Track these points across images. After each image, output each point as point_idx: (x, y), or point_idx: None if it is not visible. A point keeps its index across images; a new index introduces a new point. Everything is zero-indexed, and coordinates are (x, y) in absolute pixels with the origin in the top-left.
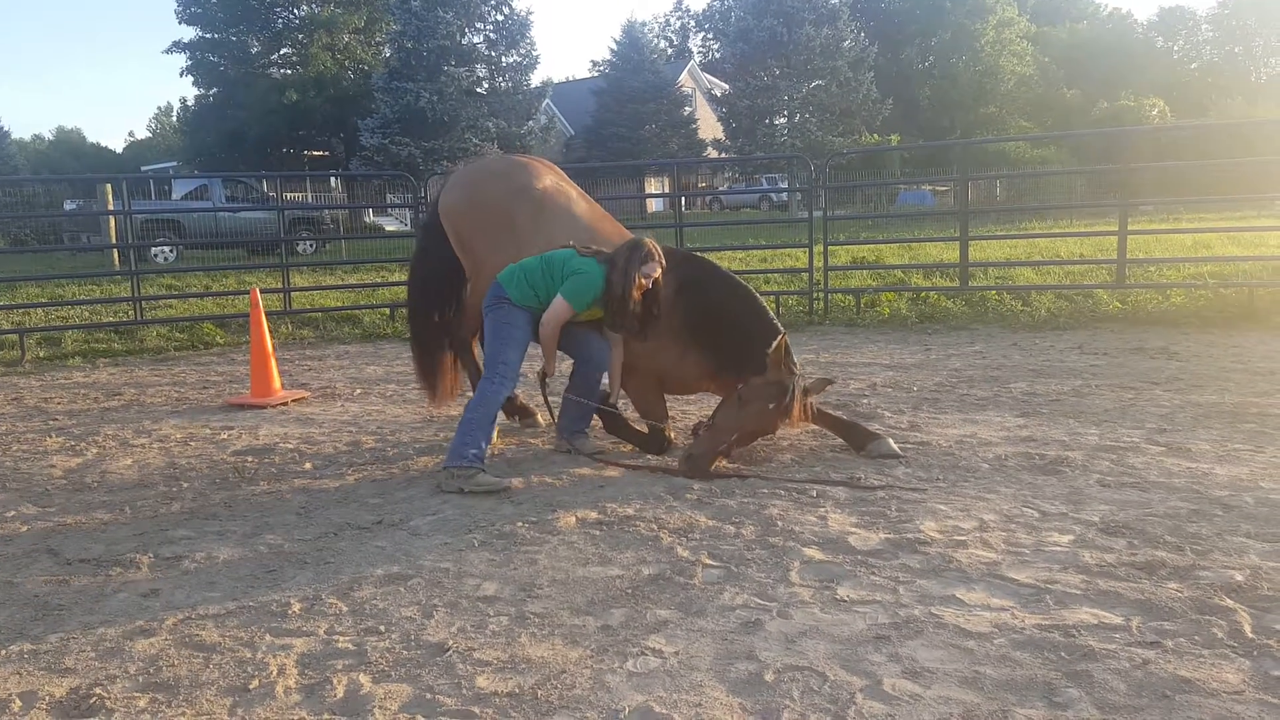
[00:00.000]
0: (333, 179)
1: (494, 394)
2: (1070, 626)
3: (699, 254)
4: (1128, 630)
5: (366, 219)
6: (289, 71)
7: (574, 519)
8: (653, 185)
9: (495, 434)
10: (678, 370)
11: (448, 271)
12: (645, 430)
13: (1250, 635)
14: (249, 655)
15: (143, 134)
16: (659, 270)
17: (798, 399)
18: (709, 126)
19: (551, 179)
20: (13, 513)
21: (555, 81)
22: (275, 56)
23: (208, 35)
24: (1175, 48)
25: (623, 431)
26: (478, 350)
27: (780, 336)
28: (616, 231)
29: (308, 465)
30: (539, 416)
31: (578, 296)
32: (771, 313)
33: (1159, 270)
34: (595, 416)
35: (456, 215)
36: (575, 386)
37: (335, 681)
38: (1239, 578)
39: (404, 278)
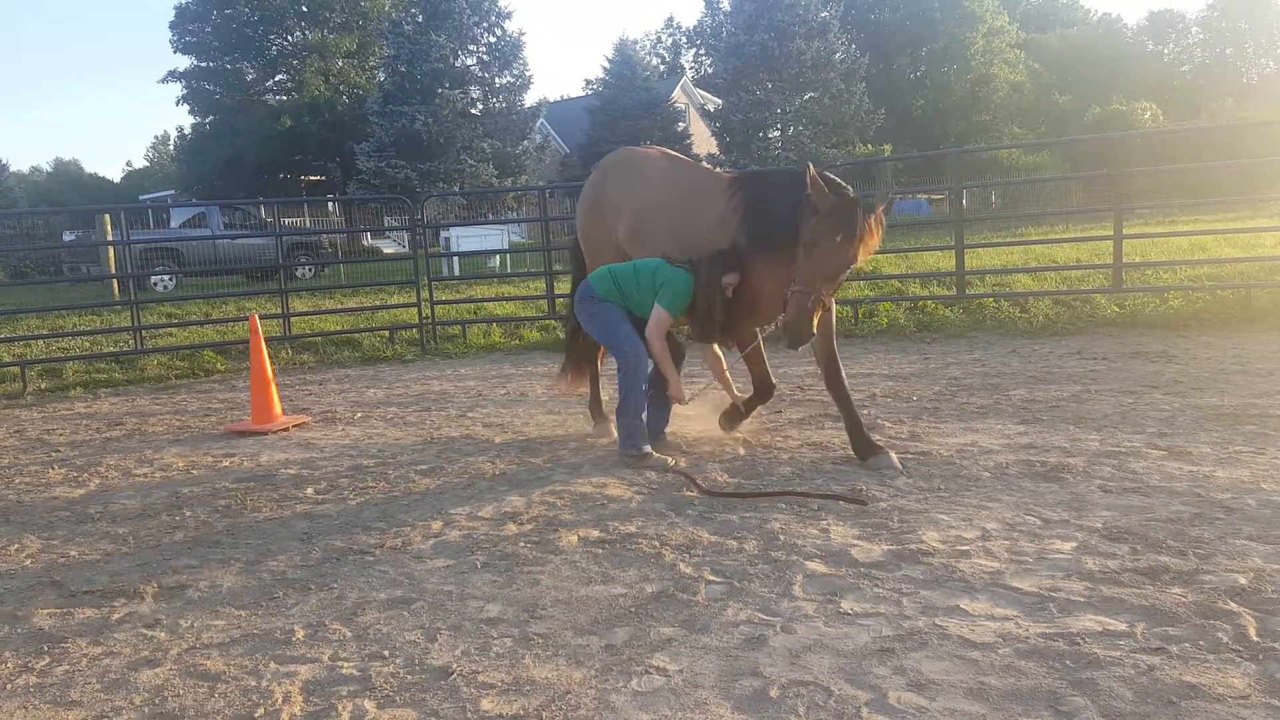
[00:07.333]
0: (330, 203)
1: (629, 380)
2: (1074, 634)
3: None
4: (1132, 637)
5: (365, 242)
6: (284, 98)
7: (576, 538)
8: None
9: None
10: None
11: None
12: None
13: (1255, 639)
14: (254, 684)
15: (140, 163)
16: (738, 279)
17: (866, 218)
18: (703, 141)
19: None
20: (16, 545)
21: (549, 100)
22: (270, 83)
23: (203, 64)
24: (1166, 51)
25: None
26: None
27: (810, 168)
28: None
29: (309, 491)
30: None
31: (674, 304)
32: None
33: (1156, 274)
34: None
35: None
36: (653, 384)
37: (340, 708)
38: (1243, 581)
39: (403, 300)
